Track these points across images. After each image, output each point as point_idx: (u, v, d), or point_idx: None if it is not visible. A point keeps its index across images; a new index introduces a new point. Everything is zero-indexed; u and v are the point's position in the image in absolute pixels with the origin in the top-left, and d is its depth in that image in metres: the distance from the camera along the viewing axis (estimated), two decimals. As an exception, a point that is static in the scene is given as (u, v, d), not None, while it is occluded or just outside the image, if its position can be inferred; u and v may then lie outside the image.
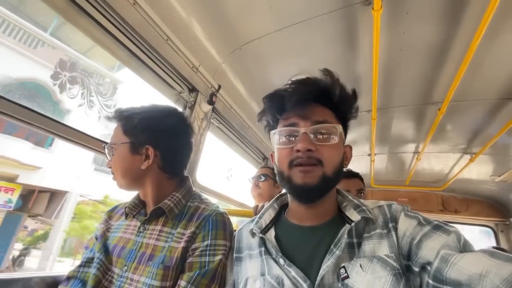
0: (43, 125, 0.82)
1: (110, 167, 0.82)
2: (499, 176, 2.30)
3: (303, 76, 0.68)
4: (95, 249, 0.81)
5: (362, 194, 1.30)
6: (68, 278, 0.81)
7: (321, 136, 0.61)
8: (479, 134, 1.82)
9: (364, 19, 1.08)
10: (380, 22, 1.00)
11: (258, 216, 0.72)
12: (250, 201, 1.92)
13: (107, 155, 0.83)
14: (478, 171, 2.36)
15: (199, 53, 1.27)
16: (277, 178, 0.68)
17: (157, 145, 0.79)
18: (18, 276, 0.74)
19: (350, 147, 0.72)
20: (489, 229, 2.90)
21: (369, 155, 2.37)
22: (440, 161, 2.35)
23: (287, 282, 0.55)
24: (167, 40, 1.11)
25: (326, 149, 0.60)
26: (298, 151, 0.60)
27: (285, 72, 1.45)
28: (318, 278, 0.52)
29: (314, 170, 0.59)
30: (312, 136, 0.60)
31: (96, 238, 0.85)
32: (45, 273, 0.81)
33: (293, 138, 0.63)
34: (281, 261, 0.58)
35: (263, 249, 0.64)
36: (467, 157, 2.13)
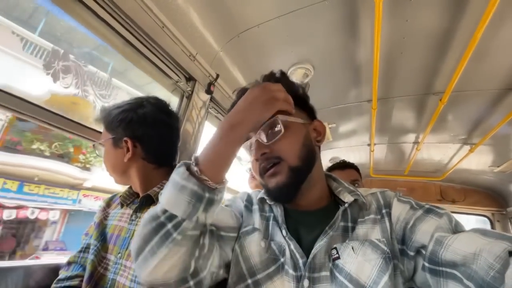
0: (40, 116, 0.82)
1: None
2: (498, 166, 2.30)
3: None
4: (92, 237, 0.83)
5: (357, 185, 1.29)
6: (69, 263, 0.83)
7: (271, 135, 0.59)
8: (480, 125, 1.80)
9: (366, 5, 1.05)
10: (382, 9, 0.97)
11: None
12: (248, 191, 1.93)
13: (98, 154, 0.85)
14: (477, 161, 2.36)
15: (196, 41, 1.24)
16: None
17: (135, 136, 0.79)
18: (19, 264, 0.75)
19: (319, 121, 0.69)
20: (486, 219, 2.94)
21: (369, 145, 2.37)
22: (439, 151, 2.35)
23: (287, 253, 0.56)
24: (163, 27, 1.08)
25: (279, 144, 0.59)
26: (257, 160, 0.60)
27: (284, 61, 1.42)
28: (310, 256, 0.54)
29: (278, 169, 0.59)
30: (264, 138, 0.59)
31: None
32: (47, 261, 0.83)
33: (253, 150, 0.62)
34: (284, 232, 0.59)
35: (272, 214, 0.65)
36: (466, 147, 2.12)
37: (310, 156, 0.62)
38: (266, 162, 0.59)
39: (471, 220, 3.11)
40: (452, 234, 0.47)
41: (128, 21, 0.97)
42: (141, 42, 1.05)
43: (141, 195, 0.82)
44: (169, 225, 0.45)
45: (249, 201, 0.72)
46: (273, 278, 0.55)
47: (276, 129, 0.59)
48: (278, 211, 0.63)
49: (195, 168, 0.49)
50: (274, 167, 0.59)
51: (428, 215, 0.53)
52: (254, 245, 0.60)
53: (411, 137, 2.19)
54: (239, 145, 0.53)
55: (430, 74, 1.40)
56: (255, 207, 0.69)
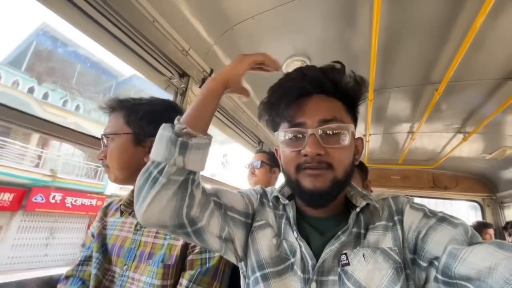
0: (35, 125, 0.78)
1: (101, 159, 0.77)
2: (490, 154, 2.35)
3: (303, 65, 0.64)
4: (93, 249, 0.79)
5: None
6: (67, 277, 0.80)
7: (330, 138, 0.56)
8: (474, 114, 1.81)
9: (365, -5, 1.01)
10: None
11: (280, 186, 0.69)
12: (248, 187, 1.93)
13: (102, 146, 0.78)
14: (470, 149, 2.40)
15: (188, 35, 1.18)
16: (285, 182, 0.65)
17: None
18: (11, 280, 0.72)
19: (361, 139, 0.66)
20: (476, 204, 3.03)
21: (364, 135, 2.37)
22: (433, 140, 2.37)
23: (298, 254, 0.55)
24: (153, 21, 1.03)
25: (337, 152, 0.55)
26: (306, 155, 0.55)
27: (280, 53, 1.38)
28: (320, 260, 0.53)
29: (325, 174, 0.55)
30: (320, 137, 0.55)
31: (93, 236, 0.83)
32: (40, 274, 0.80)
33: (300, 140, 0.57)
34: (295, 233, 0.58)
35: (285, 214, 0.63)
36: (460, 136, 2.15)
37: (351, 173, 0.60)
38: (316, 164, 0.55)
39: (463, 206, 3.21)
40: (467, 246, 0.45)
41: (116, 16, 0.91)
42: (131, 38, 1.00)
43: None
44: (155, 172, 0.51)
45: (264, 196, 0.69)
46: (281, 276, 0.54)
47: (342, 136, 0.56)
48: (291, 211, 0.61)
49: (176, 121, 0.54)
50: (320, 169, 0.55)
51: (441, 224, 0.51)
52: (265, 240, 0.59)
53: (406, 127, 2.20)
54: (215, 96, 0.59)
55: (427, 64, 1.39)
56: (270, 204, 0.67)
